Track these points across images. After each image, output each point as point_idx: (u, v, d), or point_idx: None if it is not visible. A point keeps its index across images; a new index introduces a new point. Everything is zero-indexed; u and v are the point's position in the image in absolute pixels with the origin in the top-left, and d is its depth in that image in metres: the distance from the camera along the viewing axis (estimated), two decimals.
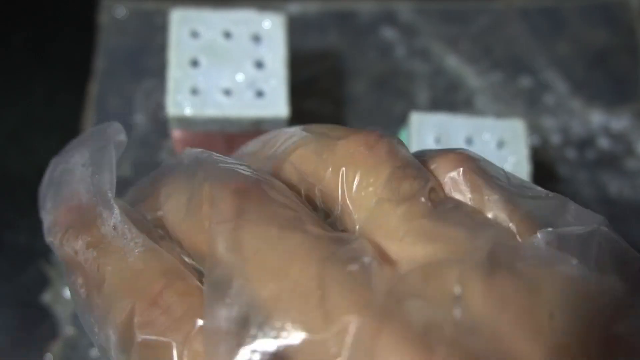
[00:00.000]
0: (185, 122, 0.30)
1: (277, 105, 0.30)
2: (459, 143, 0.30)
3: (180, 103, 0.29)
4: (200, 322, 0.15)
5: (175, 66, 0.30)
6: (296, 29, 0.38)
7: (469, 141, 0.30)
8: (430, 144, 0.30)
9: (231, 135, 0.31)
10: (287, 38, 0.31)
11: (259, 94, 0.30)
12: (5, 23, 0.38)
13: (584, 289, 0.14)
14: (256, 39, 0.31)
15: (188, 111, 0.29)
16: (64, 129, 0.35)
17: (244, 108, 0.30)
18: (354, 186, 0.16)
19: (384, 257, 0.14)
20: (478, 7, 0.39)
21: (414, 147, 0.30)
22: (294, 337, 0.13)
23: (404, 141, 0.17)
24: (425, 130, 0.30)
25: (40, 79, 0.37)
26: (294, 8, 0.38)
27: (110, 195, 0.18)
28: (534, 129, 0.36)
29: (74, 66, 0.37)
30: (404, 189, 0.15)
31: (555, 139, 0.37)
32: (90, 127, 0.35)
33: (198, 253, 0.16)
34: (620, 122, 0.37)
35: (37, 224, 0.34)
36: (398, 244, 0.15)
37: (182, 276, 0.16)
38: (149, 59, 0.37)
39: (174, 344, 0.15)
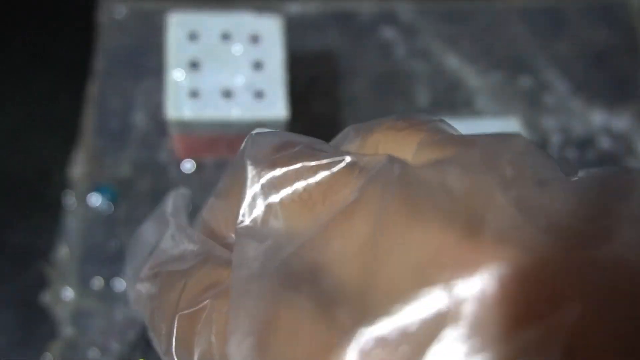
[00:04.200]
0: (184, 125, 0.30)
1: (277, 106, 0.30)
2: None
3: (179, 106, 0.29)
4: None
5: (174, 69, 0.30)
6: (296, 30, 0.38)
7: None
8: None
9: (231, 136, 0.31)
10: (284, 39, 0.31)
11: (258, 95, 0.30)
12: (5, 24, 0.38)
13: None
14: (254, 40, 0.31)
15: (187, 114, 0.29)
16: (65, 128, 0.35)
17: (244, 110, 0.30)
18: None
19: None
20: (478, 7, 0.39)
21: None
22: None
23: None
24: None
25: (40, 79, 0.37)
26: (294, 8, 0.38)
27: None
28: (534, 129, 0.36)
29: (74, 66, 0.37)
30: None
31: (556, 138, 0.36)
32: (89, 126, 0.35)
33: None
34: (620, 122, 0.37)
35: (36, 224, 0.35)
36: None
37: None
38: (148, 59, 0.36)
39: None
